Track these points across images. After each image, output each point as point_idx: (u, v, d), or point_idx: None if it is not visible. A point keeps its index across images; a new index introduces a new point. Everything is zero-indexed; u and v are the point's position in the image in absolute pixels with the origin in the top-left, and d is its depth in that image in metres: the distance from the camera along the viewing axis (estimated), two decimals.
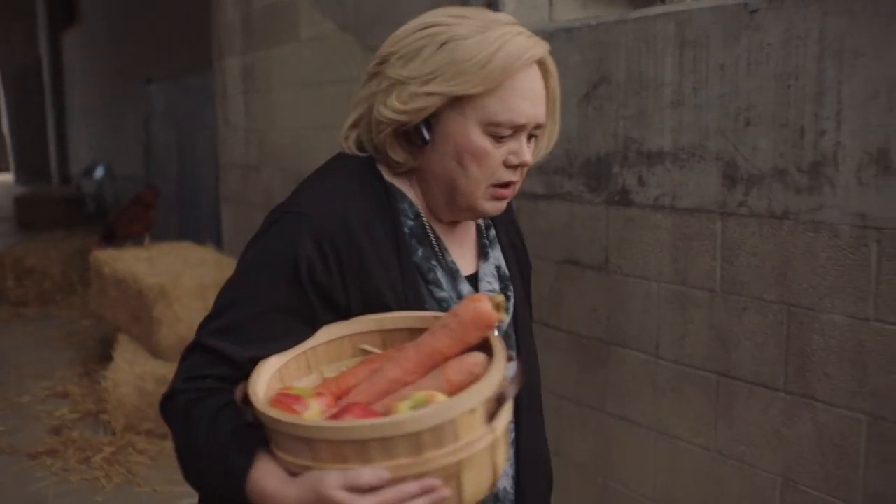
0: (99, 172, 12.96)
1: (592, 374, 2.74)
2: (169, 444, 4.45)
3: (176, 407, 1.23)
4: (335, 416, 1.13)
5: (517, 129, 1.27)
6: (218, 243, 6.07)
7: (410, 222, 1.33)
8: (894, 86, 1.90)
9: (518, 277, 1.51)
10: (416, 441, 1.04)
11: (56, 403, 5.05)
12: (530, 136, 1.31)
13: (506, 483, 1.41)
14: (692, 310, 2.41)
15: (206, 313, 4.35)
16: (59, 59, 17.57)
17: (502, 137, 1.26)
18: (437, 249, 1.35)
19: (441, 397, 1.11)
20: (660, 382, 2.54)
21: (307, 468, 1.09)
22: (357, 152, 1.37)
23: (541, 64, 1.29)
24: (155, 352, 4.69)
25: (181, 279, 4.77)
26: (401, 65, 1.27)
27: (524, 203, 2.97)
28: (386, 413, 1.12)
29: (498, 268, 1.46)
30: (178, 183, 7.75)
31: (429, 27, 1.28)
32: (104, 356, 5.32)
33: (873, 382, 1.99)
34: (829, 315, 2.07)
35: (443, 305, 1.32)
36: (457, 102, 1.25)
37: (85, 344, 6.29)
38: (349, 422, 1.08)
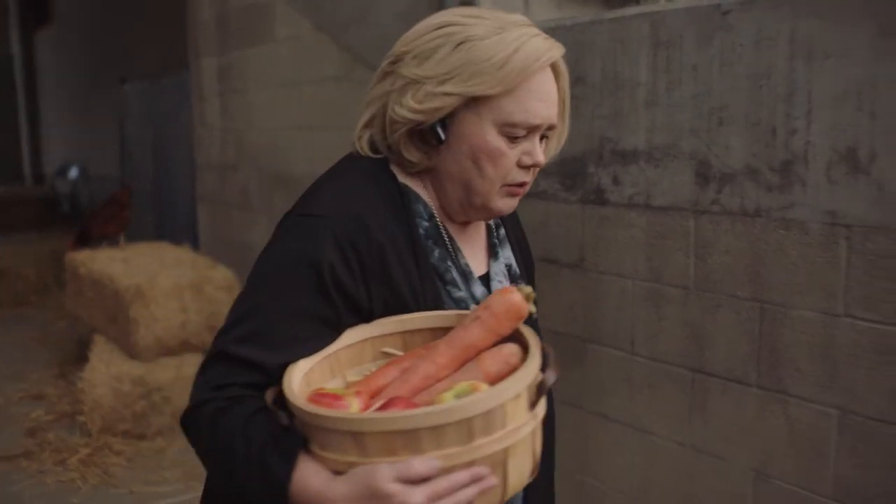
0: (73, 172, 12.85)
1: (569, 371, 2.77)
2: (146, 445, 4.45)
3: (202, 417, 1.20)
4: (380, 410, 1.12)
5: (531, 130, 1.28)
6: (194, 244, 6.05)
7: (425, 223, 1.33)
8: (862, 86, 1.94)
9: (525, 276, 1.52)
10: (466, 428, 1.04)
11: (31, 405, 5.02)
12: (542, 137, 1.32)
13: None
14: (666, 307, 2.44)
15: (182, 314, 4.34)
16: (31, 59, 17.39)
17: (517, 138, 1.27)
18: (451, 250, 1.35)
19: (483, 386, 1.10)
20: (635, 379, 2.57)
21: (353, 464, 1.07)
22: (370, 153, 1.36)
23: (553, 66, 1.30)
24: (131, 352, 4.68)
25: (158, 279, 4.75)
26: (416, 64, 1.27)
27: None
28: (429, 405, 1.11)
29: (508, 266, 1.47)
30: (154, 183, 7.70)
31: (444, 27, 1.27)
32: (80, 357, 5.29)
33: (843, 377, 2.03)
34: (801, 311, 2.11)
35: (461, 305, 1.32)
36: (472, 103, 1.25)
37: (60, 345, 6.24)
38: (401, 412, 1.07)
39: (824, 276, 2.05)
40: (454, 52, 1.24)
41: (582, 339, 2.75)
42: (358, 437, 1.06)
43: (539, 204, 2.86)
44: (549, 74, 1.29)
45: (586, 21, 2.63)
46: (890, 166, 1.91)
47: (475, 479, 1.05)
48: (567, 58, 1.36)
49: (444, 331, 1.25)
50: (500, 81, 1.23)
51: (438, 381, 1.18)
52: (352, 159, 1.38)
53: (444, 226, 1.36)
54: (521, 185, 1.32)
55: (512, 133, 1.26)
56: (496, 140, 1.26)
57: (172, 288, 4.75)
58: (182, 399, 4.68)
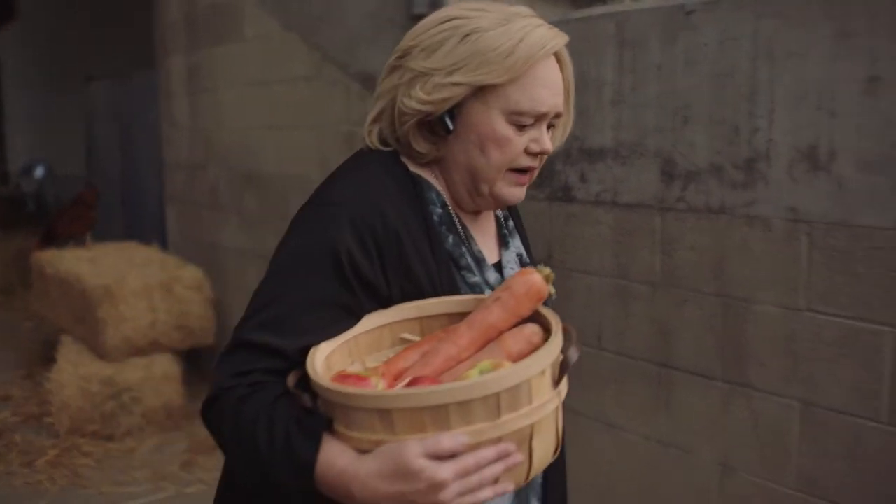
0: (39, 171, 12.70)
1: None
2: (115, 446, 4.42)
3: (224, 406, 1.20)
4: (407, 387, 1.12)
5: (538, 118, 1.30)
6: (163, 243, 6.02)
7: (439, 210, 1.35)
8: (823, 86, 1.99)
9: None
10: (494, 403, 1.05)
11: None
12: (549, 126, 1.35)
13: None
14: (633, 303, 2.48)
15: (151, 314, 4.33)
16: None
17: (524, 126, 1.30)
18: (464, 237, 1.37)
19: (507, 364, 1.11)
20: (603, 374, 2.60)
21: (381, 442, 1.07)
22: (380, 146, 1.39)
23: (557, 55, 1.33)
24: (100, 353, 4.64)
25: (126, 279, 4.73)
26: (423, 57, 1.29)
27: None
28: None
29: (520, 255, 1.49)
30: (122, 183, 7.64)
31: (450, 20, 1.30)
32: (47, 358, 5.24)
33: (805, 370, 2.08)
34: (764, 306, 2.15)
35: (475, 290, 1.34)
36: (480, 92, 1.28)
37: (27, 346, 6.17)
38: (429, 388, 1.07)
39: (786, 271, 2.10)
40: (461, 43, 1.27)
41: None
42: (386, 415, 1.06)
43: None
44: (553, 63, 1.32)
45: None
46: (849, 164, 1.96)
47: (502, 456, 1.06)
48: None
49: (461, 316, 1.26)
50: (507, 70, 1.26)
51: (460, 362, 1.19)
52: (362, 154, 1.41)
53: (456, 214, 1.39)
54: (527, 170, 1.35)
55: (520, 121, 1.29)
56: (504, 128, 1.29)
57: (141, 288, 4.72)
58: (152, 399, 4.66)
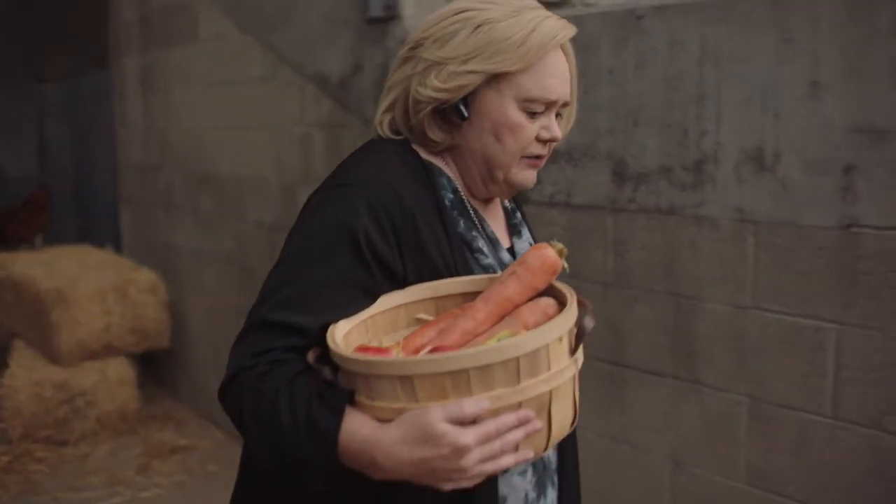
0: None
1: None
2: (69, 451, 4.38)
3: (243, 385, 1.20)
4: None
5: (548, 106, 1.34)
6: (117, 246, 5.96)
7: (450, 196, 1.38)
8: (767, 89, 2.04)
9: None
10: (514, 368, 1.06)
11: None
12: (557, 115, 1.39)
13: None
14: None
15: (106, 317, 4.29)
16: None
17: (535, 113, 1.33)
18: (476, 221, 1.40)
19: (525, 333, 1.12)
20: None
21: (403, 410, 1.08)
22: (391, 135, 1.41)
23: (562, 47, 1.36)
24: (53, 357, 4.59)
25: (80, 282, 4.68)
26: (437, 47, 1.32)
27: None
28: None
29: (531, 245, 1.51)
30: (76, 184, 7.56)
31: (462, 12, 1.33)
32: None
33: (752, 366, 2.13)
34: (712, 304, 2.20)
35: (489, 272, 1.36)
36: (493, 80, 1.31)
37: None
38: (450, 353, 1.09)
39: (734, 270, 2.15)
40: (473, 34, 1.31)
41: None
42: (407, 382, 1.07)
43: None
44: (560, 54, 1.36)
45: None
46: (793, 165, 2.01)
47: (522, 422, 1.08)
48: None
49: (475, 295, 1.27)
50: (520, 58, 1.30)
51: (477, 336, 1.21)
52: (374, 142, 1.43)
53: (467, 199, 1.42)
54: (539, 157, 1.39)
55: (531, 108, 1.33)
56: (517, 115, 1.33)
57: (95, 291, 4.68)
58: (106, 403, 4.62)
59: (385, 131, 1.41)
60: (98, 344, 4.65)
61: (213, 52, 4.55)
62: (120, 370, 4.73)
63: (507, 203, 1.52)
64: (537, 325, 1.17)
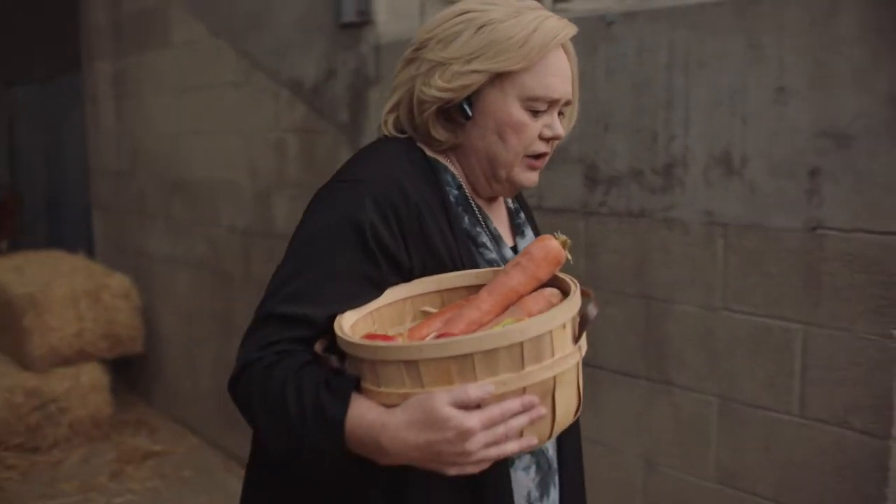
0: None
1: None
2: (41, 458, 4.34)
3: (252, 375, 1.22)
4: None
5: (551, 104, 1.36)
6: (90, 251, 5.92)
7: (455, 192, 1.40)
8: (734, 93, 2.08)
9: None
10: (518, 353, 1.08)
11: None
12: (559, 113, 1.40)
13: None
14: None
15: (78, 322, 4.26)
16: None
17: (538, 112, 1.35)
18: (480, 217, 1.42)
19: (529, 319, 1.14)
20: None
21: (409, 396, 1.10)
22: (396, 134, 1.43)
23: (563, 47, 1.39)
24: (24, 363, 4.56)
25: (52, 288, 4.65)
26: (441, 48, 1.34)
27: None
28: None
29: None
30: (47, 189, 7.50)
31: (464, 13, 1.36)
32: None
33: (722, 367, 2.16)
34: (683, 306, 2.23)
35: (493, 266, 1.38)
36: (497, 80, 1.33)
37: None
38: (455, 338, 1.10)
39: (703, 272, 2.18)
40: (476, 34, 1.33)
41: None
42: (413, 367, 1.09)
43: None
44: (562, 53, 1.38)
45: None
46: (760, 169, 2.05)
47: (526, 408, 1.10)
48: None
49: (480, 289, 1.29)
50: (523, 58, 1.32)
51: (482, 325, 1.22)
52: (380, 140, 1.45)
53: (471, 197, 1.44)
54: (541, 156, 1.41)
55: (534, 107, 1.35)
56: (520, 114, 1.35)
57: (67, 296, 4.65)
58: (79, 409, 4.59)
59: (390, 130, 1.44)
60: (70, 350, 4.62)
61: (186, 56, 4.54)
62: (93, 376, 4.70)
63: (510, 203, 1.54)
64: (542, 313, 1.19)
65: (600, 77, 2.36)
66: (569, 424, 1.22)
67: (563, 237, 1.28)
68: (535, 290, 1.26)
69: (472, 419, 1.07)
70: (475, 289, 1.30)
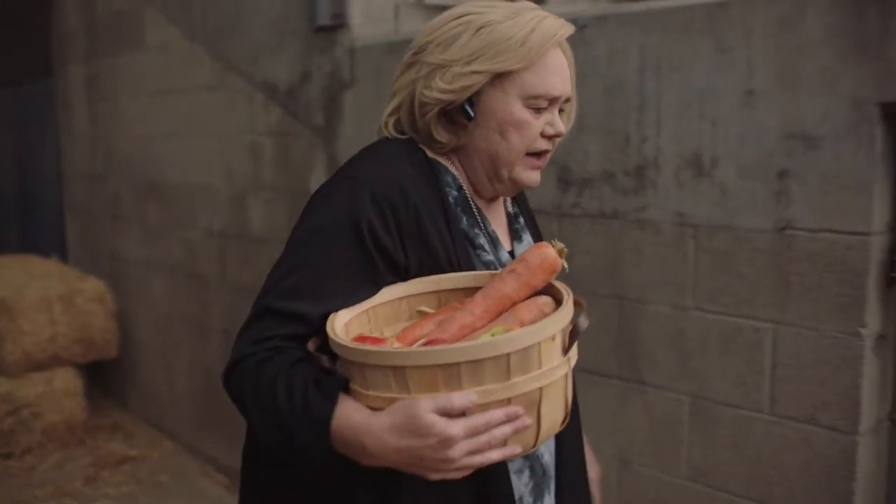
0: None
1: None
2: (14, 464, 4.32)
3: (244, 370, 1.24)
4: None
5: (552, 102, 1.38)
6: (63, 255, 5.88)
7: (455, 193, 1.41)
8: (704, 96, 2.11)
9: None
10: (504, 364, 1.08)
11: None
12: (560, 111, 1.42)
13: None
14: None
15: (52, 326, 4.25)
16: None
17: (540, 110, 1.37)
18: (479, 219, 1.43)
19: (517, 330, 1.14)
20: None
21: (395, 401, 1.11)
22: (397, 135, 1.44)
23: (560, 46, 1.40)
24: None
25: (25, 292, 4.61)
26: (440, 51, 1.35)
27: None
28: None
29: None
30: (20, 193, 7.43)
31: (462, 16, 1.37)
32: None
33: (693, 366, 2.19)
34: (655, 306, 2.26)
35: (490, 268, 1.39)
36: (497, 80, 1.35)
37: None
38: (443, 346, 1.11)
39: (675, 273, 2.21)
40: (475, 36, 1.34)
41: None
42: (400, 373, 1.09)
43: None
44: (560, 52, 1.40)
45: None
46: (730, 170, 2.08)
47: (510, 418, 1.10)
48: None
49: (476, 291, 1.29)
50: (523, 57, 1.33)
51: (475, 330, 1.23)
52: (382, 141, 1.46)
53: (471, 198, 1.45)
54: (543, 154, 1.42)
55: (535, 104, 1.36)
56: (522, 112, 1.36)
57: (40, 300, 4.62)
58: (53, 414, 4.56)
59: (391, 132, 1.45)
60: (44, 354, 4.59)
61: (160, 60, 4.52)
62: (66, 381, 4.67)
63: (510, 208, 1.55)
64: (533, 322, 1.19)
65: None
66: (555, 433, 1.23)
67: (561, 245, 1.29)
68: (529, 297, 1.26)
69: (455, 427, 1.08)
70: (472, 291, 1.30)
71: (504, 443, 1.12)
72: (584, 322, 1.18)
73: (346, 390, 1.17)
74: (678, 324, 2.22)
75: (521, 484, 1.38)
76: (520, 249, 1.50)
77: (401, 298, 1.33)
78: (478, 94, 1.36)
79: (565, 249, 1.29)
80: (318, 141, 3.39)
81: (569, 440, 1.49)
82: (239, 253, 3.94)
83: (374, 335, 1.29)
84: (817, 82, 1.91)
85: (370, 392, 1.14)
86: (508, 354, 1.08)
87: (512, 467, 1.36)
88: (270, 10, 3.62)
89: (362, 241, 1.27)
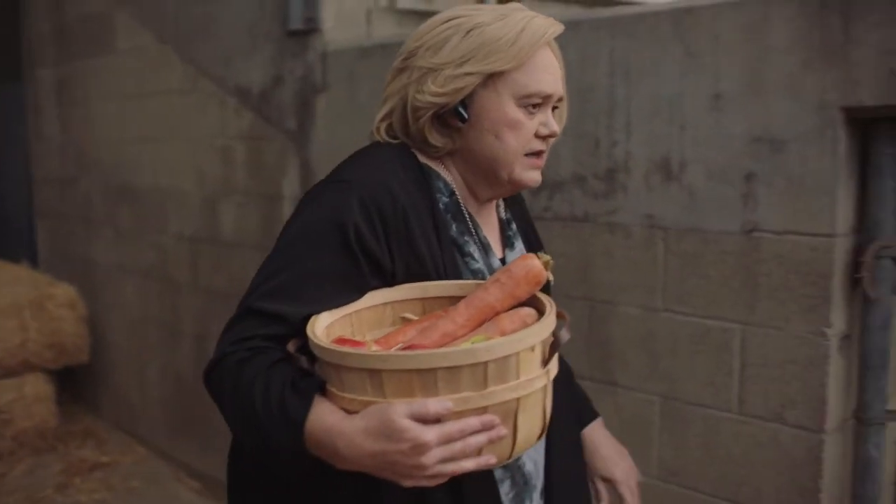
0: None
1: None
2: None
3: (224, 369, 1.24)
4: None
5: (545, 100, 1.39)
6: (33, 260, 5.83)
7: (445, 199, 1.41)
8: (673, 101, 2.14)
9: None
10: (481, 373, 1.08)
11: None
12: (553, 109, 1.43)
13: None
14: None
15: (22, 333, 4.23)
16: None
17: (533, 108, 1.37)
18: (470, 226, 1.43)
19: (499, 340, 1.13)
20: None
21: (370, 404, 1.10)
22: (390, 140, 1.44)
23: (550, 46, 1.41)
24: None
25: None
26: (430, 54, 1.36)
27: None
28: None
29: None
30: None
31: (451, 20, 1.38)
32: None
33: (663, 367, 2.22)
34: (625, 308, 2.29)
35: (478, 276, 1.39)
36: (489, 81, 1.35)
37: None
38: (420, 351, 1.10)
39: (645, 275, 2.24)
40: (465, 38, 1.35)
41: None
42: (376, 376, 1.09)
43: None
44: (549, 51, 1.41)
45: None
46: (698, 174, 2.11)
47: (486, 427, 1.09)
48: None
49: (461, 300, 1.29)
50: (513, 56, 1.34)
51: (456, 338, 1.23)
52: (373, 144, 1.46)
53: (463, 204, 1.44)
54: (540, 153, 1.43)
55: (528, 103, 1.37)
56: (515, 112, 1.37)
57: (10, 306, 4.58)
58: (23, 420, 4.52)
59: (383, 136, 1.45)
60: (14, 360, 4.54)
61: (131, 63, 4.50)
62: (37, 387, 4.63)
63: (503, 214, 1.55)
64: (514, 332, 1.19)
65: None
66: (532, 445, 1.22)
67: (547, 257, 1.29)
68: (513, 308, 1.26)
69: (429, 433, 1.07)
70: (458, 300, 1.30)
71: (479, 452, 1.12)
72: (565, 335, 1.18)
73: (324, 392, 1.17)
74: (648, 325, 2.24)
75: (502, 493, 1.37)
76: (511, 256, 1.50)
77: (385, 304, 1.33)
78: (471, 96, 1.37)
79: (551, 262, 1.29)
80: (291, 145, 3.39)
81: (565, 453, 1.50)
82: (211, 257, 3.93)
83: (356, 338, 1.29)
84: (783, 87, 1.95)
85: (346, 394, 1.13)
86: (486, 363, 1.08)
87: (492, 475, 1.36)
88: (243, 14, 3.62)
89: (348, 244, 1.27)
